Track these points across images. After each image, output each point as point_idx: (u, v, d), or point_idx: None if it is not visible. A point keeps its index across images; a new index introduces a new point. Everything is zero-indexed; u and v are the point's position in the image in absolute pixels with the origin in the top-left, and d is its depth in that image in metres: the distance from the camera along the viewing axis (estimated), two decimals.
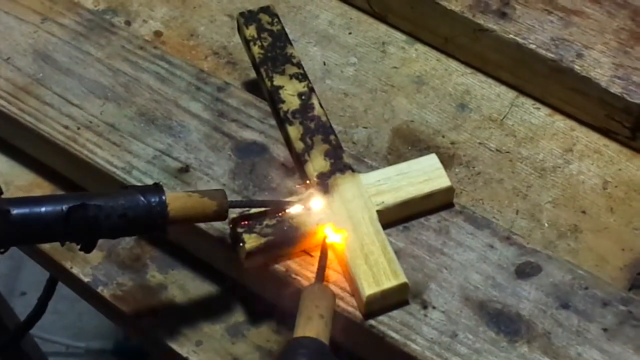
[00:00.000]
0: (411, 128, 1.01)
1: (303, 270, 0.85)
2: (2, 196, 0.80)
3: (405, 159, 0.96)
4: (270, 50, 0.98)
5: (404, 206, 0.88)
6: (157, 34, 1.09)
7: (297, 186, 0.90)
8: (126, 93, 0.98)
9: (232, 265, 0.89)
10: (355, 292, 0.84)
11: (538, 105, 1.02)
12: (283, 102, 0.95)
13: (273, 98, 0.95)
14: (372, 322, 0.83)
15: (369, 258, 0.84)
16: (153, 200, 0.80)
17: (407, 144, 1.00)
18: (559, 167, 0.98)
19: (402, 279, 0.83)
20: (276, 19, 1.01)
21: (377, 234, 0.86)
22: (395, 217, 0.88)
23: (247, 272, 0.87)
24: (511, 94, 1.04)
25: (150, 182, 0.87)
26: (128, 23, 1.10)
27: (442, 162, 0.94)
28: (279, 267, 0.86)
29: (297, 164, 0.92)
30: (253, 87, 1.03)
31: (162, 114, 0.96)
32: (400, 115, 1.02)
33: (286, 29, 1.01)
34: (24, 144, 1.00)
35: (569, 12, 1.02)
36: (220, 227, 0.87)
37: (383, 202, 0.88)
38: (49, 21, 1.04)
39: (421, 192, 0.89)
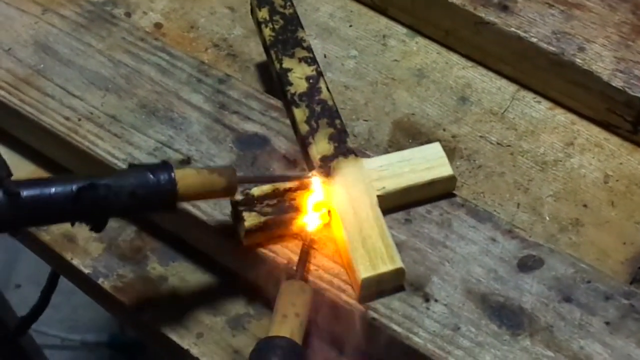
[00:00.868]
0: (412, 121, 1.01)
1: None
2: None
3: None
4: (281, 33, 0.98)
5: (405, 193, 0.88)
6: (158, 25, 1.09)
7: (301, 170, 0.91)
8: (127, 85, 0.97)
9: (233, 257, 0.89)
10: (351, 275, 0.83)
11: (539, 98, 1.02)
12: (291, 84, 0.95)
13: (281, 80, 0.96)
14: (374, 314, 0.83)
15: (367, 242, 0.84)
16: (162, 177, 0.79)
17: (408, 137, 0.99)
18: (560, 161, 0.97)
19: (399, 264, 0.83)
20: (289, 3, 1.01)
21: (377, 219, 0.85)
22: (395, 204, 0.88)
23: (247, 263, 0.87)
24: (512, 87, 1.03)
25: None
26: (128, 15, 1.09)
27: None
28: (281, 258, 0.85)
29: (302, 148, 0.92)
30: (253, 79, 1.03)
31: (163, 106, 0.96)
32: (401, 108, 1.02)
33: None
34: (25, 135, 0.99)
35: (571, 5, 1.02)
36: (220, 218, 0.87)
37: (384, 188, 0.88)
38: (49, 12, 1.03)
39: (423, 179, 0.88)
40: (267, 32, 0.99)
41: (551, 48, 0.99)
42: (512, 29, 1.00)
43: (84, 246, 0.95)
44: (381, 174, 0.89)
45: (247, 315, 0.90)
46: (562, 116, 1.01)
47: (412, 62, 1.05)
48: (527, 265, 0.85)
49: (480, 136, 1.00)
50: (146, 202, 0.79)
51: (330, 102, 0.94)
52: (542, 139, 0.99)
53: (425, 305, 0.83)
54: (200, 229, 0.89)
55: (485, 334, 0.82)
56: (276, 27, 0.99)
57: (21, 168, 0.99)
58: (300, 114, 0.93)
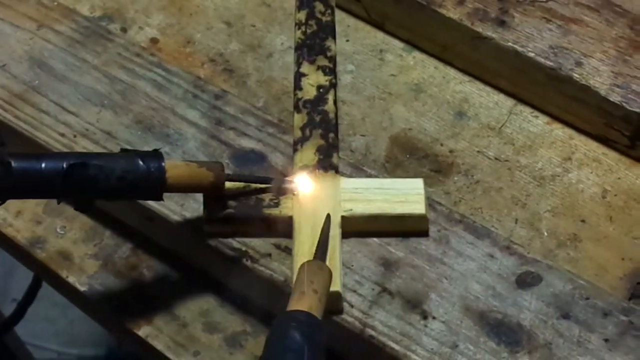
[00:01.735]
0: (409, 136, 1.00)
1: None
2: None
3: (403, 168, 0.96)
4: (311, 38, 1.00)
5: (370, 220, 0.88)
6: (154, 41, 1.08)
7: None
8: (123, 100, 0.97)
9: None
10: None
11: (536, 113, 1.02)
12: (301, 89, 0.97)
13: (294, 83, 0.97)
14: (371, 332, 0.82)
15: None
16: (152, 165, 0.80)
17: (405, 152, 0.99)
18: (558, 176, 0.97)
19: (336, 287, 0.82)
20: (329, 10, 1.03)
21: (332, 238, 0.85)
22: (359, 229, 0.88)
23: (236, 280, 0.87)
24: (509, 102, 1.03)
25: None
26: (124, 30, 1.09)
27: (440, 170, 0.94)
28: (265, 271, 0.86)
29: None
30: (250, 94, 1.02)
31: (159, 122, 0.96)
32: (398, 123, 1.01)
33: (281, 37, 1.01)
34: (20, 151, 0.99)
35: (568, 20, 1.02)
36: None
37: (351, 210, 0.88)
38: (44, 28, 1.03)
39: (392, 211, 0.88)
40: (298, 34, 1.01)
41: (548, 63, 0.98)
42: (510, 44, 1.00)
43: (79, 264, 0.95)
44: (353, 196, 0.89)
45: (244, 333, 0.90)
46: (559, 131, 1.00)
47: (409, 76, 1.05)
48: (525, 281, 0.85)
49: (478, 151, 0.99)
50: (134, 187, 0.80)
51: (331, 115, 0.94)
52: (539, 154, 0.99)
53: (423, 323, 0.83)
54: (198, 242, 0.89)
55: (483, 352, 0.81)
56: (308, 31, 1.01)
57: None
58: (299, 119, 0.94)
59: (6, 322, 1.38)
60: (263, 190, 0.88)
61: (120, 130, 0.95)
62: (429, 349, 0.81)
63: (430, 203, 0.90)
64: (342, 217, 0.87)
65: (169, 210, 0.90)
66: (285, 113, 1.00)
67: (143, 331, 0.90)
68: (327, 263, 0.82)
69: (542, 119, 1.01)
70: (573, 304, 0.84)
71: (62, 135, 0.95)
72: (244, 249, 0.87)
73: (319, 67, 0.98)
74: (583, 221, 0.94)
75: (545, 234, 0.93)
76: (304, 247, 0.85)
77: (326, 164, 0.91)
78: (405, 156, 0.99)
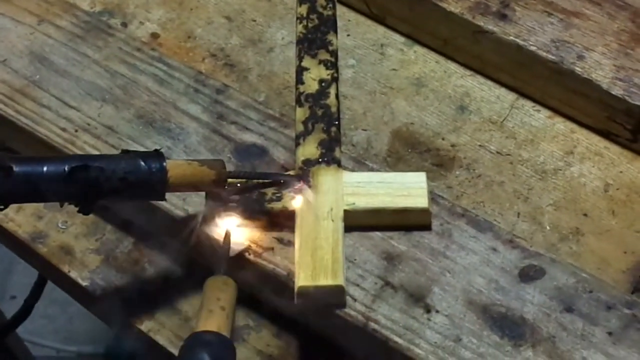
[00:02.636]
0: (411, 130, 1.00)
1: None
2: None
3: (405, 162, 0.97)
4: (312, 32, 1.01)
5: (373, 214, 0.88)
6: (154, 35, 1.08)
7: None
8: (124, 95, 0.97)
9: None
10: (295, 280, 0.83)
11: (538, 107, 1.02)
12: (302, 83, 0.96)
13: (296, 77, 0.97)
14: (374, 326, 0.82)
15: (317, 252, 0.83)
16: (154, 166, 0.80)
17: (407, 147, 0.99)
18: (560, 170, 0.97)
19: (340, 281, 0.82)
20: (330, 4, 1.03)
21: (335, 231, 0.85)
22: (362, 222, 0.88)
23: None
24: (511, 96, 1.03)
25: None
26: (124, 25, 1.09)
27: (442, 164, 0.94)
28: (268, 265, 0.86)
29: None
30: (251, 89, 1.02)
31: (160, 116, 0.95)
32: (400, 117, 1.01)
33: (281, 32, 1.01)
34: (21, 146, 0.99)
35: (569, 13, 1.02)
36: None
37: (354, 204, 0.87)
38: (45, 23, 1.03)
39: (395, 205, 0.88)
40: (299, 28, 1.01)
41: (550, 56, 0.98)
42: (511, 38, 1.00)
43: (81, 258, 0.95)
44: (356, 190, 0.88)
45: (247, 327, 0.90)
46: (561, 124, 1.00)
47: (410, 71, 1.05)
48: (528, 275, 0.85)
49: (480, 145, 0.99)
50: (136, 188, 0.80)
51: (333, 109, 0.94)
52: (541, 148, 0.99)
53: (427, 316, 0.83)
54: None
55: (487, 345, 0.81)
56: (309, 25, 1.01)
57: None
58: (300, 113, 0.94)
59: (10, 321, 1.38)
60: (265, 185, 0.88)
61: (121, 124, 0.95)
62: (432, 343, 0.81)
63: (432, 197, 0.90)
64: (345, 210, 0.87)
65: (171, 205, 0.89)
66: (287, 107, 1.00)
67: (145, 326, 0.90)
68: (325, 257, 0.83)
69: (544, 113, 1.01)
70: (576, 297, 0.83)
71: (64, 130, 0.94)
72: (246, 242, 0.87)
73: (320, 61, 0.98)
74: (585, 215, 0.94)
75: (548, 227, 0.93)
76: (306, 240, 0.84)
77: (329, 157, 0.90)
78: (407, 150, 0.99)
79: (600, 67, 0.97)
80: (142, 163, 0.80)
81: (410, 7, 1.05)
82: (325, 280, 0.82)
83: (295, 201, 0.87)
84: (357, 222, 0.87)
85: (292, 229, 0.87)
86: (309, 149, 0.91)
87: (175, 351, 0.88)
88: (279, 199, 0.88)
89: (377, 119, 1.01)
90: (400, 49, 1.07)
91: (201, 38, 1.08)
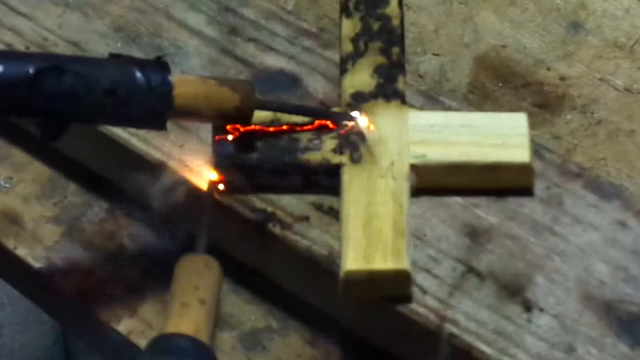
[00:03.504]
0: (502, 56, 1.01)
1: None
2: None
3: (494, 100, 0.97)
4: None
5: (451, 170, 0.89)
6: None
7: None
8: None
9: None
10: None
11: None
12: None
13: None
14: (453, 329, 0.83)
15: (371, 224, 0.85)
16: (154, 78, 0.81)
17: (497, 79, 1.00)
18: None
19: (404, 264, 0.84)
20: None
21: (397, 194, 0.87)
22: (434, 183, 0.89)
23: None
24: None
25: None
26: None
27: (547, 105, 0.95)
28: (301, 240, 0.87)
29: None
30: None
31: (147, 29, 0.97)
32: (487, 37, 1.02)
33: None
34: None
35: None
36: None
37: (425, 156, 0.88)
38: None
39: (483, 159, 0.89)
40: None
41: None
42: None
43: (33, 230, 0.96)
44: (427, 137, 0.89)
45: (268, 329, 0.91)
46: None
47: None
48: None
49: (601, 79, 1.00)
50: (127, 107, 0.81)
51: (395, 22, 0.95)
52: None
53: (526, 317, 0.84)
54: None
55: (611, 358, 0.82)
56: None
57: None
58: (349, 27, 0.95)
59: None
60: (303, 127, 0.89)
61: (92, 40, 0.96)
62: (534, 354, 0.82)
63: (535, 149, 0.91)
64: (412, 165, 0.88)
65: (161, 153, 0.90)
66: (327, 19, 1.01)
67: (124, 326, 0.91)
68: (384, 231, 0.84)
69: None
70: None
71: (9, 45, 0.96)
72: (270, 209, 0.89)
73: None
74: None
75: None
76: (357, 207, 0.86)
77: (389, 90, 0.91)
78: (496, 84, 1.00)
79: None
80: (138, 73, 0.81)
81: None
82: (384, 263, 0.83)
83: (342, 150, 0.88)
84: (429, 181, 0.88)
85: (336, 192, 0.88)
86: (361, 78, 0.92)
87: None
88: (318, 147, 0.89)
89: (455, 39, 1.02)
90: None
91: None
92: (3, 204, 0.98)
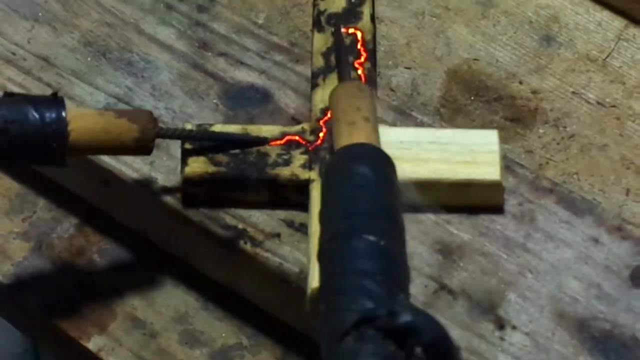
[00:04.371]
0: (474, 70, 1.01)
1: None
2: None
3: (467, 114, 0.97)
4: None
5: (423, 187, 0.88)
6: None
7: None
8: (65, 12, 0.98)
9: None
10: None
11: None
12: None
13: None
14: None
15: None
16: (48, 115, 0.80)
17: (469, 93, 0.99)
18: None
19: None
20: None
21: None
22: (406, 200, 0.87)
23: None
24: (618, 22, 1.03)
25: None
26: None
27: (519, 119, 0.95)
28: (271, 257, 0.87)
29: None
30: (245, 6, 1.03)
31: (117, 44, 0.96)
32: (459, 51, 1.02)
33: None
34: None
35: None
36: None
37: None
38: None
39: (453, 175, 0.89)
40: None
41: None
42: None
43: (1, 245, 0.96)
44: (398, 153, 0.87)
45: (239, 346, 0.91)
46: None
47: None
48: None
49: (573, 92, 1.00)
50: (22, 145, 0.80)
51: (368, 36, 0.95)
52: None
53: (499, 335, 0.84)
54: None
55: None
56: None
57: None
58: (320, 41, 0.95)
59: None
60: (265, 142, 0.89)
61: (61, 55, 0.96)
62: None
63: (507, 164, 0.90)
64: None
65: (132, 170, 0.90)
66: (299, 33, 1.00)
67: (94, 343, 0.91)
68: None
69: None
70: None
71: None
72: (241, 226, 0.88)
73: None
74: None
75: None
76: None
77: None
78: (468, 98, 0.99)
79: None
80: (32, 111, 0.80)
81: None
82: None
83: (311, 166, 0.88)
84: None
85: (305, 208, 0.88)
86: None
87: None
88: (288, 162, 0.88)
89: (427, 52, 1.02)
90: None
91: None
92: None
